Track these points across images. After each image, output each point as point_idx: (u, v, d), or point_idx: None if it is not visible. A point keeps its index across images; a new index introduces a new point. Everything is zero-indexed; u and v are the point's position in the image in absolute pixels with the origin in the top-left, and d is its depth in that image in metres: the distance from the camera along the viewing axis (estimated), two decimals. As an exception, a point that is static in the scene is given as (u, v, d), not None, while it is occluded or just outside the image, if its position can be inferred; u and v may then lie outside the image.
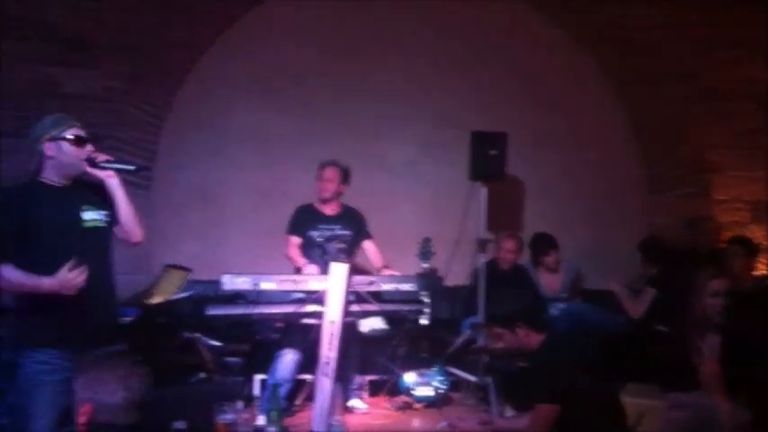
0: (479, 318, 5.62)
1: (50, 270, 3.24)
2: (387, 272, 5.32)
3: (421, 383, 5.48)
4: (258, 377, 5.27)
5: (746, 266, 5.85)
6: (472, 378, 5.56)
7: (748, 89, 6.68)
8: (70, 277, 3.19)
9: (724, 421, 3.80)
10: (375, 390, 5.63)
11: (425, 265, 5.34)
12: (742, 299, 4.45)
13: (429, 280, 5.07)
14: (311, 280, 4.74)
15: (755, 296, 5.38)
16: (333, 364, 4.45)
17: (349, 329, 4.95)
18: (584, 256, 6.85)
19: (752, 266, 6.05)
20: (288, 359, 5.07)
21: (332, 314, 4.48)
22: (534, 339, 3.86)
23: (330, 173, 5.45)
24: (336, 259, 4.78)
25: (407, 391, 5.49)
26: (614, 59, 7.20)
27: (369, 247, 5.53)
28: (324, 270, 4.73)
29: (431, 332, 5.60)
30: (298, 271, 5.17)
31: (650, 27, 6.63)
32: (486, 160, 5.90)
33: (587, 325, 5.77)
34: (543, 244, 6.44)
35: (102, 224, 3.44)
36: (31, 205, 3.31)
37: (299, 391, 5.22)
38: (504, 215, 6.59)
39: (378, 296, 4.90)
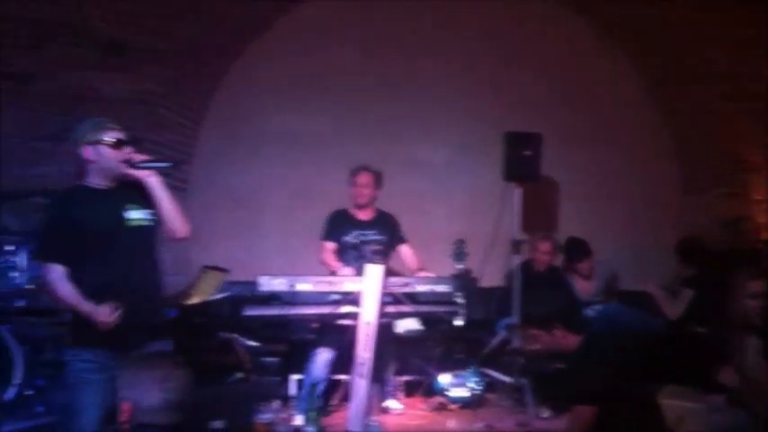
0: (514, 319, 5.61)
1: (97, 270, 3.31)
2: (421, 274, 5.32)
3: (456, 384, 5.49)
4: (294, 377, 5.31)
5: (786, 267, 5.77)
6: (507, 379, 5.55)
7: (786, 88, 6.59)
8: (105, 314, 3.24)
9: (762, 424, 3.75)
10: (410, 390, 5.65)
11: (459, 267, 5.32)
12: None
13: (464, 281, 5.06)
14: (347, 281, 4.76)
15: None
16: (368, 365, 4.47)
17: (384, 330, 4.97)
18: (619, 257, 6.79)
19: (791, 267, 5.96)
20: (323, 358, 5.10)
21: (367, 315, 4.49)
22: (571, 341, 3.84)
23: (365, 178, 5.43)
24: (372, 261, 4.80)
25: (443, 392, 5.50)
26: (649, 59, 7.14)
27: (404, 250, 5.52)
28: (359, 273, 4.74)
29: (466, 333, 5.60)
30: (333, 274, 5.19)
31: (685, 25, 6.56)
32: (521, 161, 5.88)
33: (624, 326, 5.71)
34: (577, 251, 6.36)
35: (147, 223, 3.49)
36: (77, 208, 3.37)
37: (335, 391, 5.25)
38: (538, 216, 6.57)
39: (413, 297, 4.90)
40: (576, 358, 3.79)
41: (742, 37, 6.45)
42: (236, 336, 5.43)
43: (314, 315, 5.06)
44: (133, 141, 3.50)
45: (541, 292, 5.77)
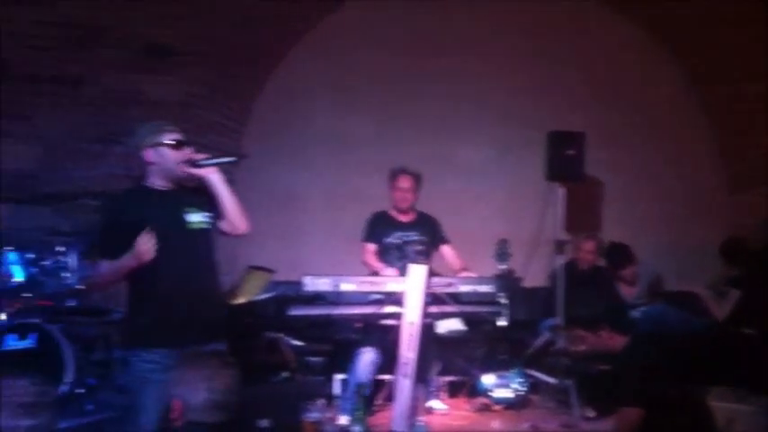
0: (558, 320, 5.57)
1: (156, 271, 3.36)
2: (464, 274, 5.31)
3: (500, 385, 5.47)
4: (338, 377, 5.34)
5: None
6: (551, 380, 5.52)
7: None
8: (141, 243, 3.28)
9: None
10: (454, 391, 5.65)
11: (502, 267, 5.29)
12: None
13: (507, 281, 5.04)
14: (390, 281, 4.77)
15: None
16: (412, 365, 4.48)
17: (426, 330, 4.97)
18: (662, 257, 6.72)
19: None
20: (367, 358, 5.13)
21: (411, 315, 4.50)
22: (618, 342, 3.81)
23: (406, 182, 5.42)
24: (414, 261, 4.80)
25: (486, 393, 5.48)
26: (693, 57, 7.04)
27: (447, 251, 5.52)
28: (401, 273, 4.76)
29: (509, 334, 5.58)
30: (375, 275, 5.21)
31: (728, 24, 6.46)
32: (564, 160, 5.84)
33: (670, 327, 5.66)
34: (620, 257, 6.29)
35: (205, 225, 3.54)
36: (138, 209, 3.43)
37: (379, 391, 5.27)
38: (581, 216, 6.52)
39: (456, 298, 4.90)
40: (623, 359, 3.76)
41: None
42: (281, 335, 5.48)
43: (358, 315, 5.08)
44: (191, 142, 3.56)
45: (586, 292, 5.73)
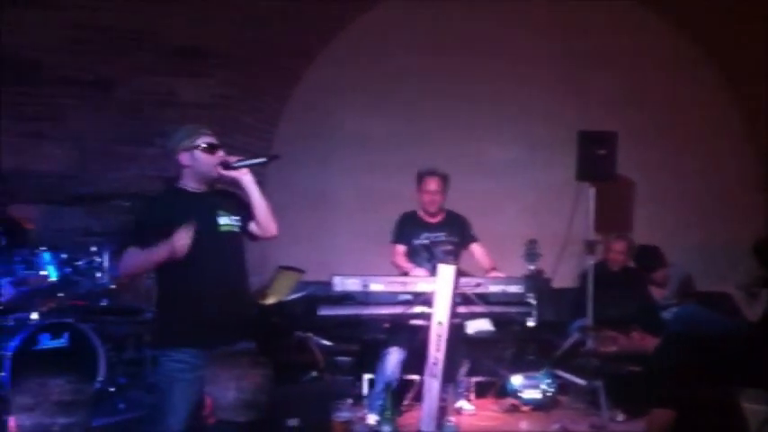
0: (588, 320, 5.54)
1: (186, 272, 3.40)
2: (493, 274, 5.30)
3: (528, 386, 5.45)
4: (367, 377, 5.36)
5: None
6: (581, 381, 5.48)
7: None
8: (179, 236, 3.31)
9: None
10: (482, 391, 5.64)
11: (531, 267, 5.28)
12: None
13: (536, 282, 5.02)
14: (419, 282, 4.78)
15: None
16: (440, 365, 4.48)
17: (456, 331, 4.97)
18: (693, 257, 6.66)
19: None
20: (393, 358, 5.14)
21: (439, 315, 4.50)
22: (649, 343, 3.80)
23: (435, 184, 5.38)
24: (443, 261, 4.81)
25: (515, 394, 5.47)
26: (725, 55, 6.96)
27: (476, 249, 5.49)
28: (431, 274, 4.76)
29: (537, 334, 5.57)
30: (405, 275, 5.21)
31: (760, 21, 6.37)
32: (595, 160, 5.80)
33: (702, 328, 5.59)
34: (651, 261, 6.23)
35: (235, 228, 3.58)
36: (171, 210, 3.47)
37: (408, 391, 5.28)
38: (613, 216, 6.47)
39: (485, 298, 4.89)
40: (654, 360, 3.74)
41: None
42: (310, 335, 5.51)
43: (386, 315, 5.10)
44: (224, 145, 3.60)
45: (616, 293, 5.69)
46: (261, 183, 5.79)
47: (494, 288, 4.82)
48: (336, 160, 7.14)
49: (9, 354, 4.76)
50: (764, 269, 5.89)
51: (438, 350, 4.48)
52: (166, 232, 3.34)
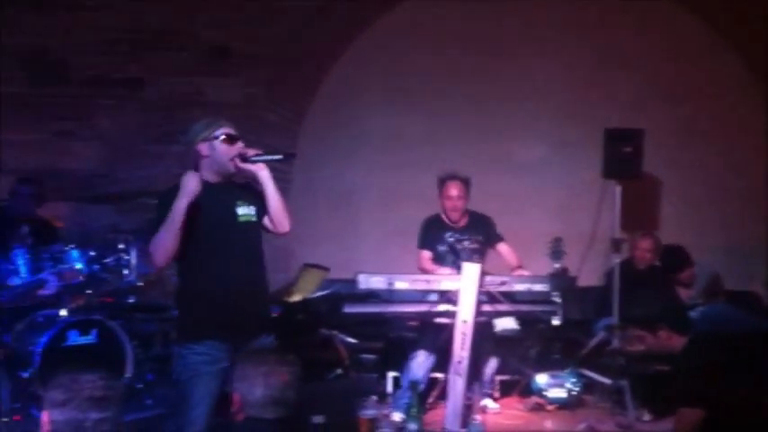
0: (614, 319, 5.51)
1: (206, 263, 3.45)
2: (518, 272, 5.29)
3: (553, 385, 5.43)
4: (391, 374, 5.37)
5: None
6: (606, 380, 5.45)
7: None
8: (186, 179, 3.38)
9: None
10: (506, 390, 5.63)
11: (556, 266, 5.28)
12: None
13: (561, 280, 5.02)
14: (444, 280, 4.78)
15: None
16: (465, 363, 4.49)
17: (484, 329, 4.97)
18: (722, 255, 6.60)
19: None
20: (421, 361, 5.13)
21: (464, 314, 4.51)
22: (677, 342, 3.76)
23: (456, 189, 5.33)
24: (469, 259, 4.81)
25: (539, 393, 5.45)
26: (752, 52, 6.88)
27: (503, 248, 5.46)
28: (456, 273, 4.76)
29: (562, 333, 5.54)
30: None
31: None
32: (621, 158, 5.76)
33: (730, 327, 5.55)
34: (677, 261, 6.17)
35: (253, 219, 3.60)
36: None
37: (432, 389, 5.28)
38: (639, 214, 6.43)
39: (510, 297, 4.89)
40: (682, 360, 3.71)
41: None
42: (335, 332, 5.53)
43: (411, 313, 5.11)
44: (243, 137, 3.63)
45: (643, 291, 5.63)
46: (286, 180, 5.84)
47: (519, 286, 4.82)
48: (361, 159, 7.15)
49: (39, 350, 4.84)
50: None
51: (463, 348, 4.48)
52: (187, 224, 3.38)
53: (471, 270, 4.54)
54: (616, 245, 5.79)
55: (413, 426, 4.39)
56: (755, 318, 5.76)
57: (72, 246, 5.22)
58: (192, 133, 3.57)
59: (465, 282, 4.54)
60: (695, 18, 7.05)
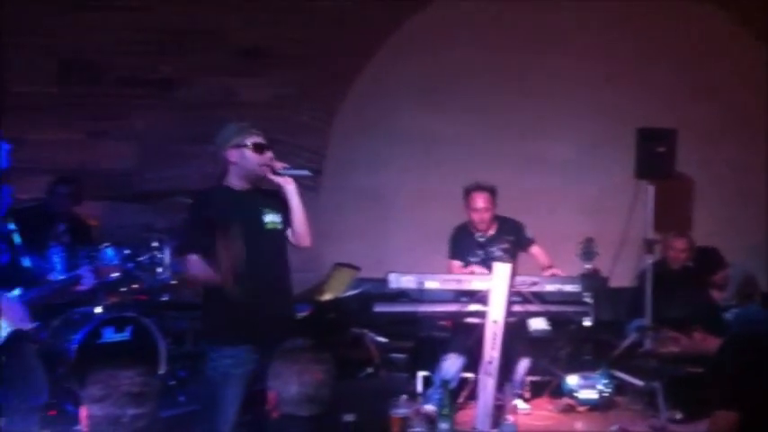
0: (646, 320, 5.47)
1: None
2: (549, 272, 5.26)
3: (584, 386, 5.39)
4: (421, 374, 5.37)
5: None
6: (638, 382, 5.41)
7: None
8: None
9: None
10: (537, 391, 5.60)
11: (588, 266, 5.24)
12: None
13: (592, 281, 4.99)
14: (475, 280, 4.78)
15: None
16: (495, 364, 4.48)
17: (518, 329, 4.95)
18: (756, 256, 6.52)
19: None
20: (452, 363, 5.13)
21: (495, 314, 4.50)
22: (711, 344, 3.72)
23: (483, 200, 5.28)
24: (500, 259, 4.80)
25: (570, 394, 5.42)
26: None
27: (535, 251, 5.44)
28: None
29: (594, 334, 5.51)
30: None
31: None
32: (654, 158, 5.72)
33: (766, 329, 5.47)
34: (710, 263, 6.09)
35: (279, 226, 3.64)
36: (218, 208, 3.55)
37: (462, 389, 5.27)
38: (671, 215, 6.37)
39: (541, 297, 4.87)
40: (717, 361, 3.67)
41: None
42: (366, 331, 5.55)
43: (442, 313, 5.11)
44: (272, 146, 3.66)
45: (676, 292, 5.60)
46: (318, 180, 5.86)
47: (550, 287, 4.80)
48: (392, 159, 7.15)
49: (74, 346, 4.91)
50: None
51: (493, 349, 4.48)
52: (215, 231, 3.43)
53: (502, 270, 4.54)
54: (649, 245, 5.75)
55: (444, 425, 4.38)
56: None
57: (107, 244, 5.28)
58: (222, 138, 3.60)
59: (496, 282, 4.53)
60: (729, 17, 6.97)
